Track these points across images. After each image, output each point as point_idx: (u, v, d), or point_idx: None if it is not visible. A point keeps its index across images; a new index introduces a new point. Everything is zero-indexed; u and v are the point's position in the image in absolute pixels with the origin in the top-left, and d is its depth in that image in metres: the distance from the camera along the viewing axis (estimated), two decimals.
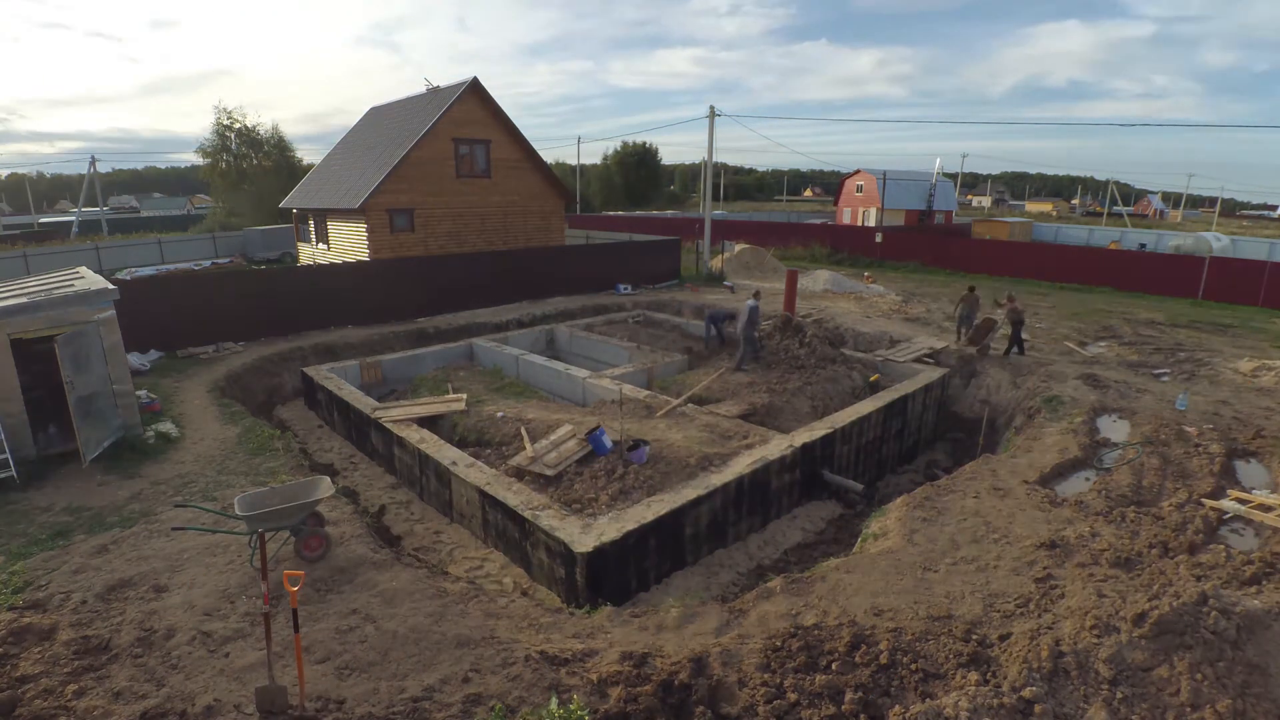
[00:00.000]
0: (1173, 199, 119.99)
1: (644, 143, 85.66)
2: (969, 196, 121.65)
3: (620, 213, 64.92)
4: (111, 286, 9.92)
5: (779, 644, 5.34)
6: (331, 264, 19.14)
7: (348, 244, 23.86)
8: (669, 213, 68.12)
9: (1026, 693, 4.32)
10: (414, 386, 13.46)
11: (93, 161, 48.03)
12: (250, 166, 45.51)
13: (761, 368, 13.14)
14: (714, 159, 29.61)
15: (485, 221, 25.53)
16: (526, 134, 25.51)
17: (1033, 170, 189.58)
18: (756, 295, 13.98)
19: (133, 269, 30.22)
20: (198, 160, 48.16)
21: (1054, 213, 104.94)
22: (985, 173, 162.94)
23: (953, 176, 70.59)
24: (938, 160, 59.79)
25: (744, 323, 13.20)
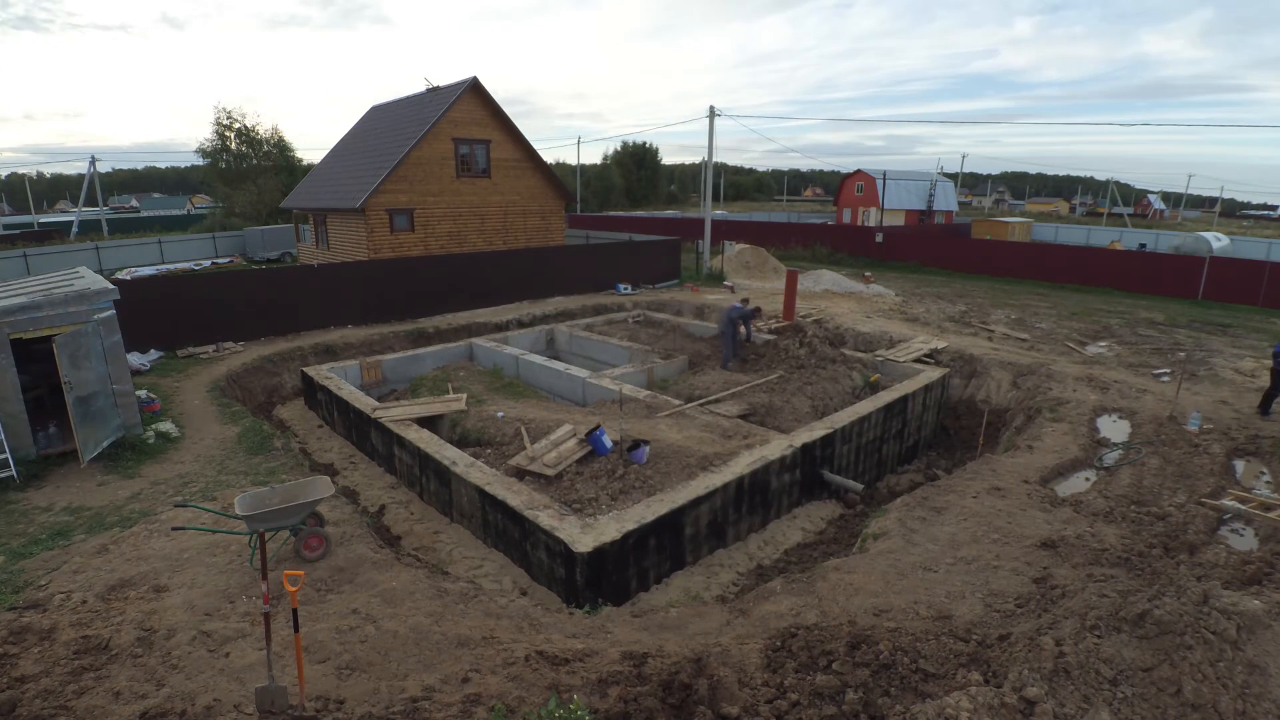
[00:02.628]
0: (1173, 199, 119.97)
1: (644, 143, 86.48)
2: (969, 197, 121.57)
3: (620, 213, 64.94)
4: (111, 286, 9.92)
5: (779, 644, 5.34)
6: (331, 264, 19.14)
7: (348, 244, 23.87)
8: (669, 212, 68.14)
9: (1028, 692, 4.32)
10: (414, 386, 13.46)
11: (93, 161, 48.02)
12: (250, 166, 45.54)
13: (738, 365, 13.63)
14: (721, 160, 29.61)
15: (485, 221, 25.55)
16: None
17: (1032, 170, 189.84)
18: (740, 298, 14.71)
19: (133, 269, 30.21)
20: (198, 160, 48.26)
21: (1056, 212, 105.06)
22: (985, 172, 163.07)
23: (953, 176, 70.54)
24: (938, 160, 59.86)
25: (723, 322, 13.80)
